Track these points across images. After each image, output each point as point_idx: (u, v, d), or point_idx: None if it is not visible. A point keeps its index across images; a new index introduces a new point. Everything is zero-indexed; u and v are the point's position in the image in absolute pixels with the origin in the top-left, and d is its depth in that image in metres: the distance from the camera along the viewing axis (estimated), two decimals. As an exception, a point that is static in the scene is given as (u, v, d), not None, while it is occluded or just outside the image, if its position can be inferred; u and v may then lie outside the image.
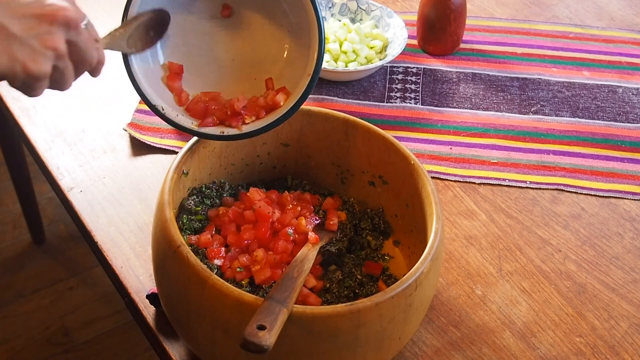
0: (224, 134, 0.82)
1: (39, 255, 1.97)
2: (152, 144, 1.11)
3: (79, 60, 0.71)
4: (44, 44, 0.66)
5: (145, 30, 0.82)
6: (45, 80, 0.68)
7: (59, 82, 0.70)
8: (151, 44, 0.84)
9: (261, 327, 0.64)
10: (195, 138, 0.85)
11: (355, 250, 0.90)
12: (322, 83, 1.22)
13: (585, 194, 1.08)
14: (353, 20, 1.31)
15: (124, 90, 1.20)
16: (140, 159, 1.10)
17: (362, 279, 0.86)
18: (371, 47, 1.25)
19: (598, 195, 1.07)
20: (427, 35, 1.29)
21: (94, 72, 0.74)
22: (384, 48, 1.25)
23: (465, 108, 1.20)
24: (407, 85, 1.23)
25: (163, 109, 0.83)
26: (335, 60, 1.22)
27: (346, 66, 1.21)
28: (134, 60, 0.82)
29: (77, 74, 0.72)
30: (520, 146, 1.14)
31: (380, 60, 1.21)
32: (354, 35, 1.23)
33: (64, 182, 1.06)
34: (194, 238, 0.84)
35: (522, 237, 1.01)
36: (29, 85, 0.68)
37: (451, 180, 1.08)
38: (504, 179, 1.09)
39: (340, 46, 1.22)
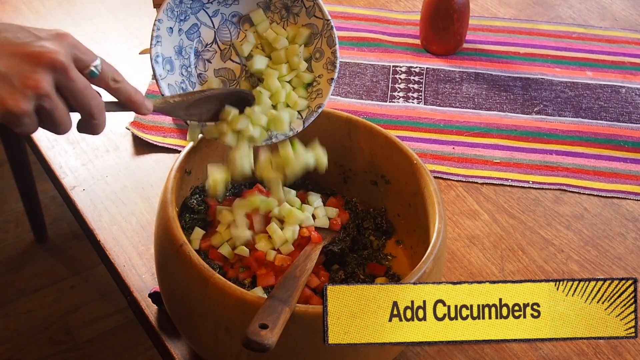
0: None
1: (41, 254, 1.97)
2: (155, 143, 1.11)
3: (73, 104, 0.69)
4: (24, 83, 0.65)
5: (219, 104, 0.82)
6: (27, 119, 0.67)
7: (49, 122, 0.69)
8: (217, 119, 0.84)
9: (263, 326, 0.64)
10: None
11: (357, 250, 0.90)
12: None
13: (587, 194, 1.08)
14: None
15: (127, 89, 1.20)
16: (142, 157, 1.10)
17: (365, 278, 0.86)
18: None
19: (601, 196, 1.07)
20: (430, 34, 1.29)
21: (91, 121, 0.71)
22: None
23: (468, 108, 1.20)
24: (410, 85, 1.23)
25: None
26: None
27: None
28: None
29: (69, 117, 0.70)
30: (523, 146, 1.14)
31: None
32: None
33: (67, 181, 1.06)
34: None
35: (525, 237, 1.01)
36: (10, 122, 0.67)
37: (454, 180, 1.08)
38: (507, 179, 1.09)
39: None
